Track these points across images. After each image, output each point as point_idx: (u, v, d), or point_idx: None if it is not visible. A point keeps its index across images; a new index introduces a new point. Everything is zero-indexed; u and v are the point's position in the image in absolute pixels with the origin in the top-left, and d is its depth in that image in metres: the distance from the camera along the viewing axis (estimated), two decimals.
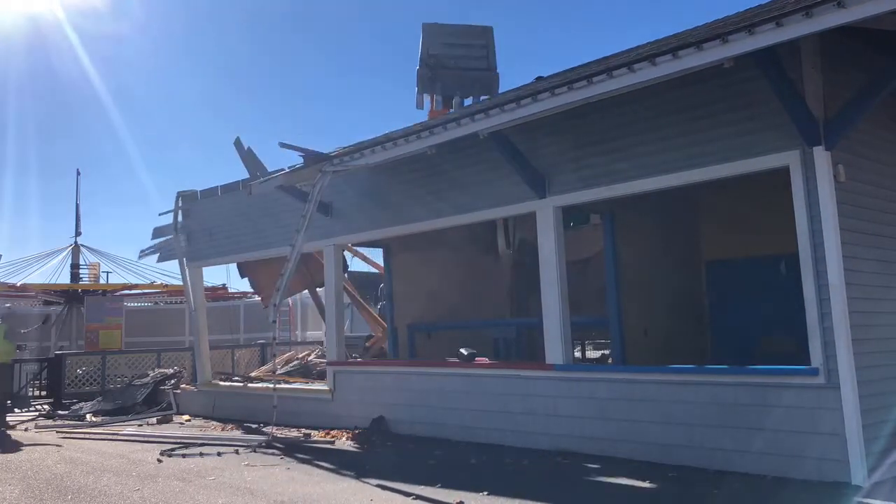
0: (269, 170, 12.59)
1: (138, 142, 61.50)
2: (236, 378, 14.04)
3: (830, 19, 5.17)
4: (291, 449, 8.70)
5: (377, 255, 16.07)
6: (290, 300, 25.07)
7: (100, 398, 14.68)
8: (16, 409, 14.81)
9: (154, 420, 12.30)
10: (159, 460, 8.22)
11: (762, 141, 6.48)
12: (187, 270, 13.83)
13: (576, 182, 8.04)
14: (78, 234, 30.79)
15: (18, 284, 29.05)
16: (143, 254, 15.09)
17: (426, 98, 13.89)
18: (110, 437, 10.58)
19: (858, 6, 5.00)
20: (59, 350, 20.03)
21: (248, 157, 13.99)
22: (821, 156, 6.09)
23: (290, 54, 69.77)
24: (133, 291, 30.15)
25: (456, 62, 13.48)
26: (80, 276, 30.32)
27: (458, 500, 5.81)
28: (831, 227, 6.00)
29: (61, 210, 71.88)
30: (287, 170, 10.94)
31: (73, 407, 14.41)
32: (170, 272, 36.60)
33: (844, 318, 5.89)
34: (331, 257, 11.16)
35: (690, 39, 6.16)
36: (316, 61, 71.67)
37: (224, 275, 33.73)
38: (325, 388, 10.74)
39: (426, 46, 13.48)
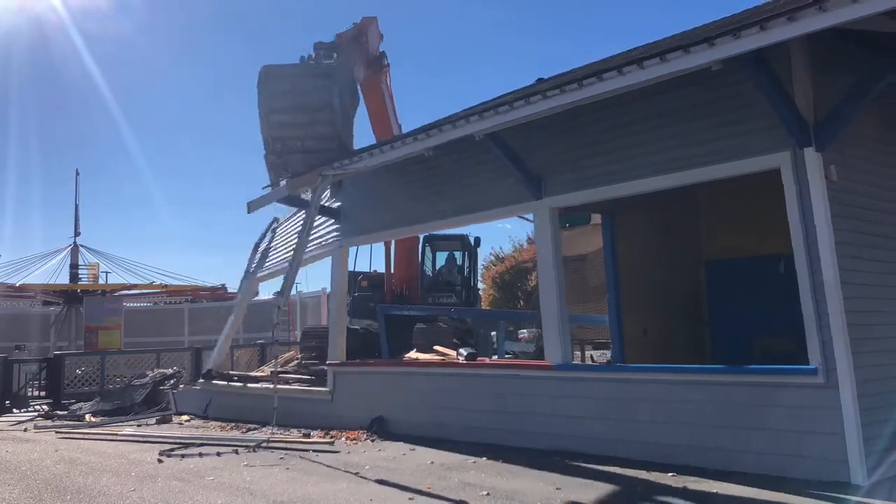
0: None
1: (140, 142, 61.63)
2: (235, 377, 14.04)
3: (813, 23, 5.26)
4: (291, 449, 8.69)
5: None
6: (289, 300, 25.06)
7: (99, 398, 14.68)
8: (14, 410, 14.83)
9: (153, 420, 12.30)
10: (159, 460, 8.21)
11: (753, 142, 6.51)
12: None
13: (571, 183, 8.08)
14: (77, 234, 30.83)
15: (18, 284, 29.06)
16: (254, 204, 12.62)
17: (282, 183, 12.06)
18: (109, 437, 10.58)
19: (839, 10, 5.10)
20: (58, 350, 20.03)
21: None
22: (811, 157, 6.11)
23: (295, 54, 69.74)
24: (132, 291, 30.20)
25: (303, 143, 11.94)
26: (80, 276, 30.33)
27: (459, 500, 5.81)
28: (824, 228, 6.01)
29: (62, 210, 71.94)
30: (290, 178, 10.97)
31: (72, 407, 14.42)
32: (169, 272, 36.62)
33: (841, 318, 5.89)
34: (337, 259, 11.22)
35: (679, 43, 6.21)
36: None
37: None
38: (325, 388, 10.74)
39: (267, 128, 11.96)
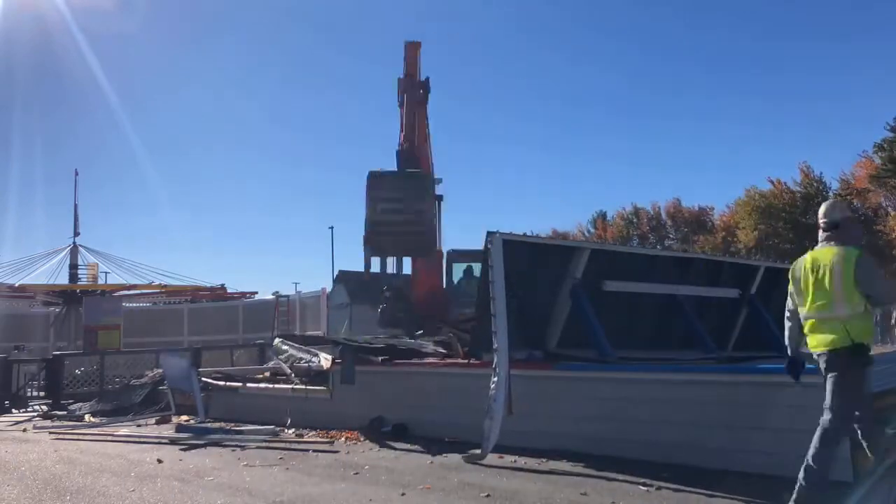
0: None
1: (142, 142, 61.63)
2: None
3: None
4: (290, 449, 8.68)
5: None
6: (289, 299, 25.07)
7: (98, 399, 14.65)
8: (14, 410, 14.81)
9: (153, 420, 12.28)
10: (158, 460, 8.20)
11: None
12: None
13: None
14: (76, 234, 30.83)
15: (17, 285, 29.05)
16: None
17: None
18: (108, 437, 10.55)
19: None
20: (58, 350, 20.00)
21: None
22: None
23: (299, 53, 69.80)
24: (132, 292, 30.18)
25: None
26: (79, 276, 30.33)
27: (459, 501, 5.81)
28: None
29: (62, 210, 71.98)
30: None
31: (72, 407, 14.39)
32: (169, 272, 36.62)
33: None
34: None
35: None
36: (327, 60, 71.77)
37: None
38: (325, 387, 10.73)
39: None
